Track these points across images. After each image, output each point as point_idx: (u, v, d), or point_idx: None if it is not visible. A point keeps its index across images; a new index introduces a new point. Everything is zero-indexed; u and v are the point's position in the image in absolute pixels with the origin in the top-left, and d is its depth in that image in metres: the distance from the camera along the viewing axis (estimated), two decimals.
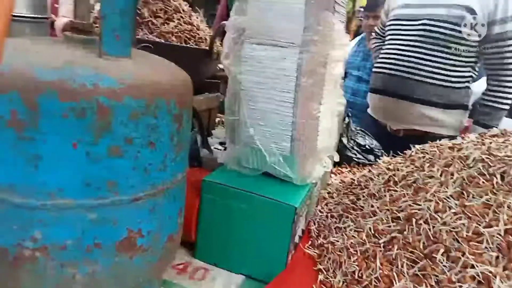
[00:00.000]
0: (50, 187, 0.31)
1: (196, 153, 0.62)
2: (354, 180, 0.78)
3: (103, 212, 0.33)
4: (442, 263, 0.48)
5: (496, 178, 0.54)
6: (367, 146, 1.07)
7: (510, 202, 0.50)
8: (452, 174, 0.58)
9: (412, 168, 0.66)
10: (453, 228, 0.50)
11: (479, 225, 0.49)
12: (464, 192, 0.54)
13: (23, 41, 0.36)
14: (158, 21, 0.80)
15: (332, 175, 0.93)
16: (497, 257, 0.46)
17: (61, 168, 0.31)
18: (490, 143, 0.62)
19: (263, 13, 0.50)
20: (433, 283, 0.47)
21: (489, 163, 0.57)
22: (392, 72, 1.52)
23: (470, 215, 0.51)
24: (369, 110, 1.73)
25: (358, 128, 1.19)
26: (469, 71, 1.46)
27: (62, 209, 0.32)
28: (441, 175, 0.60)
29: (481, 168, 0.56)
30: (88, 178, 0.32)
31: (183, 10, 0.86)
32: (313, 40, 0.49)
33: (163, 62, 0.41)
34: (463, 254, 0.47)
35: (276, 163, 0.54)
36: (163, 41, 0.75)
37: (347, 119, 1.08)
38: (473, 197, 0.53)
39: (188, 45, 0.75)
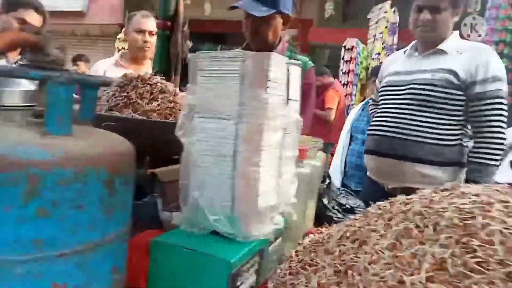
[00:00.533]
0: None
1: (156, 216, 0.68)
2: (320, 237, 0.81)
3: (28, 267, 0.40)
4: None
5: (428, 228, 0.57)
6: (347, 206, 1.09)
7: (434, 251, 0.52)
8: (391, 227, 0.61)
9: (363, 223, 0.69)
10: (382, 278, 0.52)
11: (405, 274, 0.51)
12: (397, 244, 0.57)
13: None
14: (143, 101, 0.93)
15: (311, 235, 0.96)
16: None
17: None
18: (434, 197, 0.65)
19: (208, 93, 0.60)
20: None
21: (425, 215, 0.59)
22: (384, 133, 1.58)
23: (398, 265, 0.53)
24: (368, 172, 1.77)
25: (342, 189, 1.23)
26: (460, 129, 1.51)
27: None
28: (382, 228, 0.63)
29: (417, 220, 0.59)
30: (17, 237, 0.39)
31: (169, 91, 0.99)
32: (247, 113, 0.57)
33: (105, 137, 0.50)
34: None
35: (219, 222, 0.59)
36: (138, 117, 0.86)
37: (327, 181, 1.12)
38: (405, 248, 0.56)
39: (155, 120, 0.86)
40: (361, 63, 5.20)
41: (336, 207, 1.12)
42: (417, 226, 0.58)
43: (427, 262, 0.51)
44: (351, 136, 2.83)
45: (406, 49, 1.67)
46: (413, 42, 1.65)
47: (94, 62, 2.42)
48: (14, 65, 1.38)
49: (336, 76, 5.01)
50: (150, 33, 2.00)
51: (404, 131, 1.48)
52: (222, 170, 0.59)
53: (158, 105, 0.91)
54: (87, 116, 0.55)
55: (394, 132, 1.51)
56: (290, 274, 0.71)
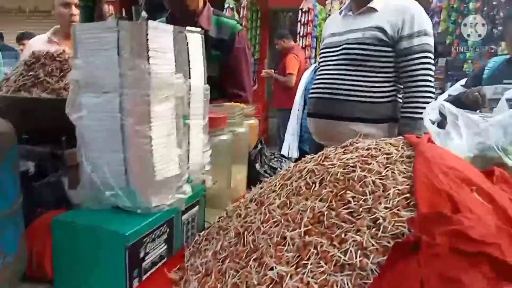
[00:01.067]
0: None
1: (62, 196, 0.68)
2: (239, 203, 0.84)
3: None
4: (254, 268, 0.52)
5: (315, 185, 0.60)
6: (278, 169, 1.12)
7: (314, 206, 0.55)
8: (287, 186, 0.64)
9: (267, 185, 0.72)
10: (269, 235, 0.55)
11: (288, 230, 0.54)
12: (288, 201, 0.60)
13: None
14: (53, 79, 0.89)
15: (242, 199, 0.99)
16: (295, 257, 0.51)
17: None
18: (329, 154, 0.68)
19: (89, 66, 0.59)
20: None
21: (316, 172, 0.62)
22: (321, 95, 1.61)
23: (285, 222, 0.56)
24: (312, 134, 1.81)
25: (277, 153, 1.26)
26: (393, 85, 1.55)
27: None
28: (279, 188, 0.65)
29: (308, 178, 0.62)
30: None
31: None
32: (129, 85, 0.57)
33: None
34: (270, 258, 0.52)
35: (115, 197, 0.60)
36: (48, 96, 0.84)
37: (259, 146, 1.14)
38: (293, 205, 0.59)
39: (57, 98, 0.83)
40: (319, 25, 5.17)
41: (269, 171, 1.15)
42: (306, 184, 0.61)
43: (307, 216, 0.54)
44: (305, 100, 2.85)
45: (341, 10, 1.67)
46: (347, 2, 1.65)
47: None
48: None
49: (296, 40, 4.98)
50: (76, 5, 1.90)
51: (338, 91, 1.51)
52: (112, 145, 0.59)
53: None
54: None
55: (329, 93, 1.54)
56: (206, 239, 0.74)
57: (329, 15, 5.23)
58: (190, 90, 0.71)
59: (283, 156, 1.25)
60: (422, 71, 1.42)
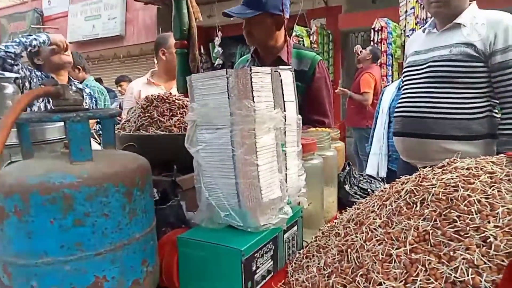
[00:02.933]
0: (39, 250, 0.50)
1: (182, 216, 0.79)
2: (335, 223, 0.87)
3: (74, 264, 0.51)
4: (362, 284, 0.56)
5: (416, 205, 0.62)
6: (369, 190, 1.13)
7: (418, 225, 0.57)
8: (386, 206, 0.67)
9: (365, 206, 0.75)
10: (373, 253, 0.58)
11: (392, 248, 0.57)
12: (389, 221, 0.62)
13: (26, 161, 0.59)
14: (165, 118, 1.04)
15: (336, 220, 1.02)
16: (403, 273, 0.53)
17: (44, 237, 0.50)
18: (427, 175, 0.69)
19: (204, 108, 0.70)
20: None
21: (416, 192, 0.64)
22: (407, 114, 1.59)
23: (388, 240, 0.59)
24: (399, 154, 1.78)
25: (366, 174, 1.27)
26: (487, 101, 1.48)
27: (47, 264, 0.50)
28: (378, 208, 0.68)
29: (407, 198, 0.64)
30: (61, 242, 0.51)
31: (186, 106, 1.10)
32: (237, 121, 0.66)
33: (122, 157, 0.61)
34: (378, 274, 0.55)
35: (229, 217, 0.68)
36: (162, 133, 0.97)
37: (347, 168, 1.17)
38: (395, 225, 0.61)
39: (174, 133, 0.96)
40: (395, 42, 5.04)
41: (359, 193, 1.16)
42: (407, 204, 0.63)
43: (411, 235, 0.56)
44: (390, 117, 2.78)
45: (425, 27, 1.65)
46: (431, 19, 1.63)
47: None
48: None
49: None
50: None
51: (426, 109, 1.48)
52: (225, 173, 0.68)
53: (178, 120, 1.01)
54: (109, 141, 0.67)
55: (416, 112, 1.51)
56: (306, 257, 0.78)
57: (404, 31, 5.09)
58: (285, 121, 0.78)
59: (372, 177, 1.25)
60: None
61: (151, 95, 1.09)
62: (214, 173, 0.69)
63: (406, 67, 1.67)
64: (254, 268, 0.67)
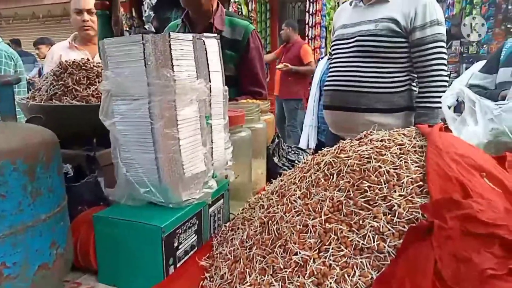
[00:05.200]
0: None
1: (99, 194, 0.74)
2: (261, 195, 0.89)
3: None
4: (279, 254, 0.57)
5: (333, 177, 0.64)
6: (296, 162, 1.16)
7: (333, 195, 0.59)
8: (306, 178, 0.68)
9: (287, 178, 0.76)
10: (292, 224, 0.60)
11: (309, 218, 0.59)
12: (308, 192, 0.64)
13: None
14: (81, 87, 0.96)
15: (263, 192, 1.03)
16: (317, 242, 0.55)
17: None
18: (345, 146, 0.72)
19: (119, 77, 0.64)
20: (271, 272, 0.56)
21: (333, 164, 0.66)
22: (336, 87, 1.64)
23: (306, 212, 0.60)
24: (328, 126, 1.84)
25: (294, 146, 1.30)
26: (407, 75, 1.57)
27: None
28: (299, 180, 0.70)
29: (326, 170, 0.66)
30: None
31: None
32: (156, 92, 0.62)
33: (23, 130, 0.55)
34: (294, 244, 0.57)
35: (149, 193, 0.66)
36: (78, 103, 0.90)
37: (276, 140, 1.19)
38: (313, 196, 0.63)
39: (86, 104, 0.89)
40: (328, 14, 5.14)
41: (287, 164, 1.19)
42: (325, 175, 0.65)
43: (326, 205, 0.58)
44: (320, 90, 2.87)
45: (351, 0, 1.69)
46: None
47: None
48: None
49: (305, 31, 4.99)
50: (89, 11, 1.98)
51: (353, 83, 1.54)
52: (144, 147, 0.64)
53: (96, 89, 0.94)
54: (8, 112, 0.59)
55: (344, 85, 1.57)
56: (231, 230, 0.79)
57: (338, 4, 5.20)
58: (210, 93, 0.76)
59: (300, 148, 1.29)
60: (436, 60, 1.44)
61: (65, 60, 0.99)
62: (132, 148, 0.65)
63: (334, 40, 1.70)
64: (176, 244, 0.66)
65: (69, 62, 0.97)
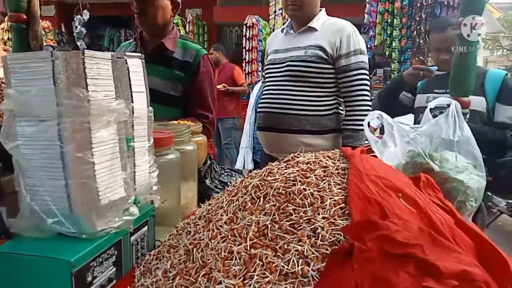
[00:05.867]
0: None
1: (1, 225, 0.65)
2: (189, 220, 0.85)
3: None
4: (203, 284, 0.54)
5: (260, 200, 0.63)
6: (229, 184, 1.14)
7: (259, 219, 0.58)
8: (234, 202, 0.67)
9: (215, 201, 0.74)
10: (217, 251, 0.57)
11: (234, 244, 0.57)
12: (235, 217, 0.62)
13: None
14: None
15: (192, 216, 0.99)
16: (242, 269, 0.53)
17: None
18: (273, 169, 0.72)
19: (24, 95, 0.58)
20: None
21: (260, 187, 0.65)
22: (268, 110, 1.67)
23: (231, 237, 0.58)
24: (263, 147, 1.85)
25: (228, 168, 1.28)
26: (334, 99, 1.65)
27: None
28: (226, 204, 0.68)
29: (253, 193, 0.65)
30: None
31: None
32: (67, 113, 0.57)
33: None
34: (219, 272, 0.54)
35: (58, 223, 0.59)
36: None
37: (208, 162, 1.16)
38: (240, 220, 0.61)
39: None
40: (265, 39, 5.31)
41: (219, 186, 1.16)
42: (252, 198, 0.64)
43: (252, 230, 0.57)
44: (256, 113, 2.92)
45: (283, 28, 1.75)
46: (288, 21, 1.74)
47: None
48: None
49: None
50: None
51: (284, 106, 1.58)
52: (52, 173, 0.58)
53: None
54: None
55: (275, 108, 1.60)
56: (156, 259, 0.74)
57: (273, 30, 5.42)
58: (133, 114, 0.72)
59: (233, 170, 1.28)
60: (359, 86, 1.53)
61: None
62: (38, 173, 0.59)
63: (267, 64, 1.75)
64: (89, 279, 0.59)
65: None
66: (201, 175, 1.14)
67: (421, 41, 4.54)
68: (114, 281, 0.66)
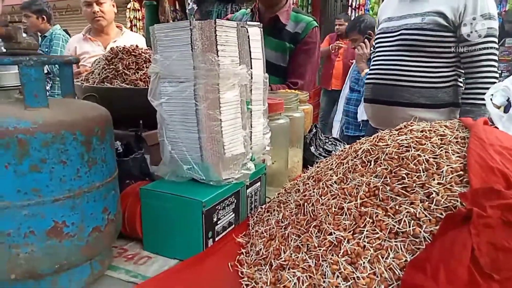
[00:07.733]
0: None
1: (145, 169, 0.79)
2: (297, 181, 0.90)
3: (32, 209, 0.51)
4: (314, 234, 0.59)
5: (370, 164, 0.64)
6: (333, 152, 1.17)
7: (370, 181, 0.60)
8: (343, 164, 0.69)
9: (324, 164, 0.78)
10: (327, 206, 0.62)
11: (345, 202, 0.60)
12: (345, 178, 0.65)
13: None
14: (130, 72, 1.01)
15: (299, 178, 1.05)
16: (352, 224, 0.56)
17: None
18: (384, 136, 0.72)
19: (167, 60, 0.68)
20: (305, 250, 0.58)
21: (371, 151, 0.67)
22: (378, 81, 1.62)
23: (342, 195, 0.62)
24: (369, 119, 1.82)
25: (332, 137, 1.30)
26: (453, 70, 1.52)
27: (3, 208, 0.50)
28: (336, 166, 0.71)
29: (363, 157, 0.67)
30: (18, 187, 0.50)
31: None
32: (201, 75, 0.65)
33: (81, 106, 0.60)
34: (329, 225, 0.58)
35: (192, 170, 0.69)
36: (127, 87, 0.95)
37: (314, 130, 1.20)
38: (350, 181, 0.64)
39: (135, 87, 0.94)
40: (372, 8, 5.01)
41: (324, 154, 1.20)
42: (362, 162, 0.66)
43: (363, 190, 0.59)
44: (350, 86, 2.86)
45: None
46: None
47: None
48: None
49: None
50: (97, 2, 2.06)
51: (396, 77, 1.51)
52: (188, 127, 0.68)
53: (144, 73, 0.99)
54: (67, 90, 0.65)
55: (387, 79, 1.54)
56: (267, 211, 0.81)
57: None
58: (251, 79, 0.78)
59: (338, 139, 1.29)
60: (486, 56, 1.38)
61: (116, 46, 1.05)
62: (177, 127, 0.69)
63: (378, 34, 1.67)
64: (215, 219, 0.69)
65: (120, 48, 1.03)
66: (307, 142, 1.18)
67: None
68: (233, 225, 0.76)
